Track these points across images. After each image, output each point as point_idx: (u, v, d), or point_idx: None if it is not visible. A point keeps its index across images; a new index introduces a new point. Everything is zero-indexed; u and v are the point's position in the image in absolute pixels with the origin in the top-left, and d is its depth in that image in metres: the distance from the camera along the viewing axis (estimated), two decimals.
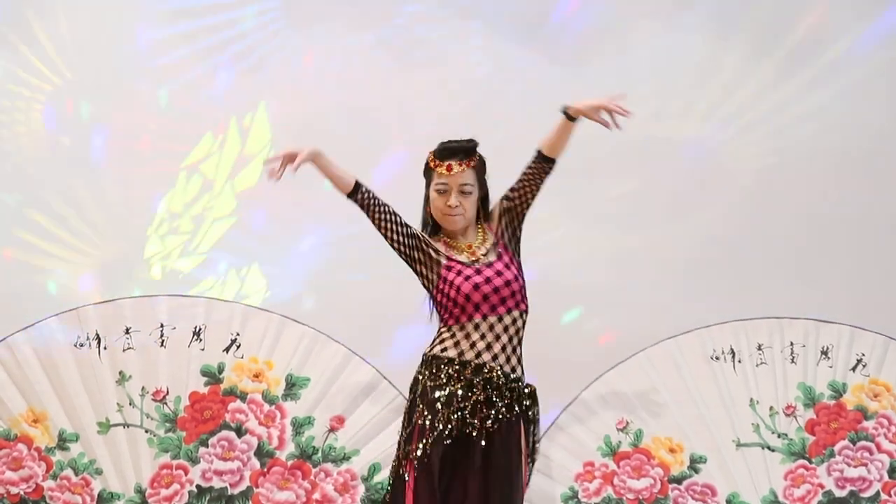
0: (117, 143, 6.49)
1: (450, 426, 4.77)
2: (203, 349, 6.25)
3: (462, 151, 4.90)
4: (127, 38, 6.54)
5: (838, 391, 6.46)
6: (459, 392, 4.80)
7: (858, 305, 6.58)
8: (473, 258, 4.89)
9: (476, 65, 6.65)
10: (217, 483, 6.20)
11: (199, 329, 6.25)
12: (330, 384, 6.25)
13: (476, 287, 4.81)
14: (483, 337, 4.84)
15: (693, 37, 6.71)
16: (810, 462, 6.40)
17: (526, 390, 4.93)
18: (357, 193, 4.91)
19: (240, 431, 6.22)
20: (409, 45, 6.63)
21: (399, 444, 4.96)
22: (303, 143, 5.79)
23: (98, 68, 6.49)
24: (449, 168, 4.87)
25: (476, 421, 4.79)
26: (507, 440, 4.84)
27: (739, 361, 6.43)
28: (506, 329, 4.87)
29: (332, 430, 6.23)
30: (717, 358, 6.43)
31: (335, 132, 6.50)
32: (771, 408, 6.42)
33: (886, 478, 6.42)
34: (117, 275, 6.41)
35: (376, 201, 4.92)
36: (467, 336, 4.85)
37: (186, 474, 6.18)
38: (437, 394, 4.82)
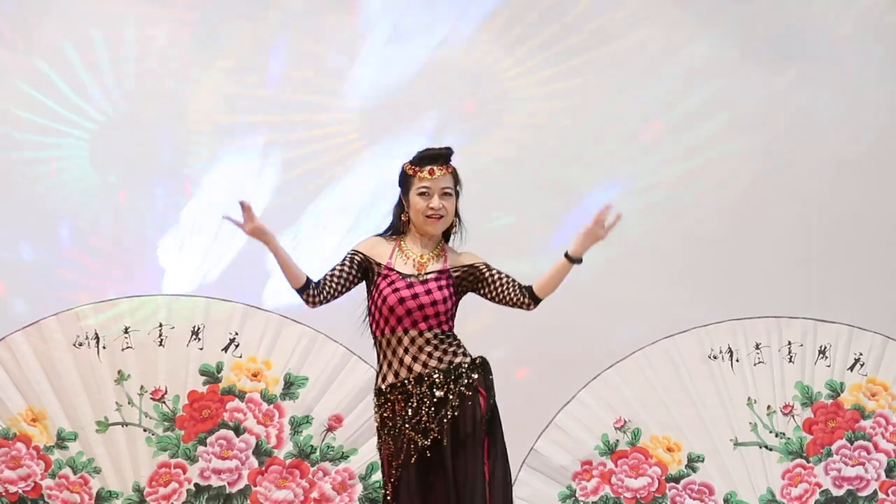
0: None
1: (413, 443, 4.91)
2: (202, 348, 6.26)
3: (442, 157, 5.06)
4: None
5: (836, 390, 6.47)
6: (409, 410, 4.93)
7: (856, 305, 6.58)
8: (415, 272, 4.99)
9: (472, 65, 6.68)
10: (215, 482, 6.21)
11: (198, 328, 6.26)
12: (328, 383, 6.26)
13: (401, 301, 4.94)
14: (407, 351, 4.97)
15: (689, 37, 6.72)
16: (808, 461, 6.41)
17: (465, 367, 4.98)
18: (307, 289, 5.00)
19: (238, 430, 6.23)
20: (404, 45, 6.65)
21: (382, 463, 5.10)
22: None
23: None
24: (431, 172, 5.02)
25: (434, 425, 4.89)
26: (464, 423, 4.93)
27: (737, 360, 6.44)
28: (427, 341, 4.98)
29: (330, 429, 6.24)
30: (715, 357, 6.43)
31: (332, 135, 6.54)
32: (769, 407, 6.43)
33: (884, 477, 6.43)
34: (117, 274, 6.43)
35: (323, 288, 5.00)
36: (394, 352, 4.97)
37: (185, 473, 6.20)
38: (394, 421, 4.95)
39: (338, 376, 6.26)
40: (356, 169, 6.57)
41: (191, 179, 6.54)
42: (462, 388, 4.93)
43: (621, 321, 6.53)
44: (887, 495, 6.42)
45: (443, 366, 4.94)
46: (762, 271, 6.61)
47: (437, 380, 4.92)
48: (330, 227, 6.52)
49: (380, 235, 5.11)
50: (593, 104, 6.70)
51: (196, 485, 6.20)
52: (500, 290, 5.02)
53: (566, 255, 4.97)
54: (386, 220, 5.13)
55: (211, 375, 6.25)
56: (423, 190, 5.00)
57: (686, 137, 6.71)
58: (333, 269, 5.02)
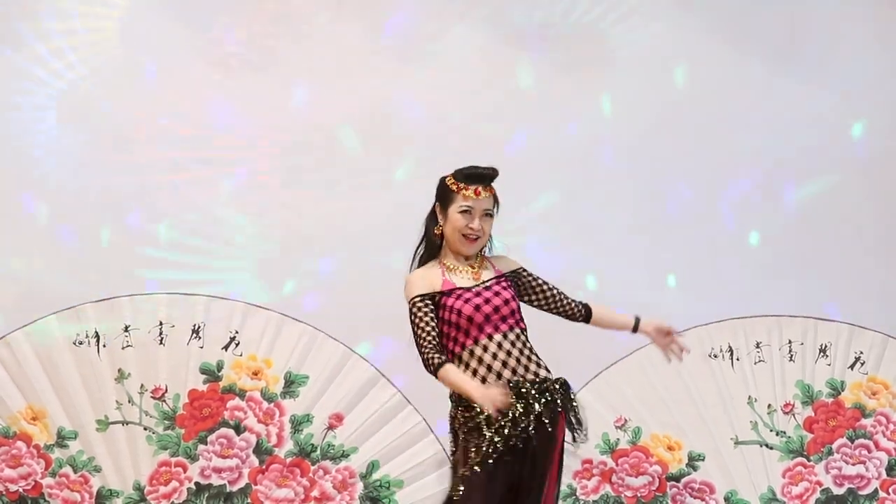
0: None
1: (495, 445, 4.83)
2: (202, 347, 6.25)
3: (489, 178, 5.01)
4: None
5: (836, 389, 6.47)
6: (499, 415, 4.82)
7: (857, 304, 6.58)
8: (475, 281, 4.97)
9: (475, 68, 6.68)
10: (216, 480, 6.21)
11: (198, 327, 6.25)
12: (329, 382, 6.26)
13: (477, 308, 4.89)
14: (495, 356, 4.90)
15: (689, 36, 6.72)
16: (808, 460, 6.41)
17: (556, 385, 4.98)
18: (447, 358, 4.93)
19: (238, 429, 6.22)
20: (407, 48, 6.65)
21: (452, 469, 4.98)
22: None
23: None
24: (477, 192, 4.96)
25: (518, 431, 4.85)
26: (547, 441, 4.90)
27: (738, 359, 6.44)
28: (513, 343, 4.93)
29: (330, 427, 6.23)
30: (716, 356, 6.44)
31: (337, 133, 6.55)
32: (769, 406, 6.43)
33: (884, 475, 6.43)
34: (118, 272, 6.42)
35: (436, 343, 4.93)
36: (480, 360, 4.90)
37: (185, 471, 6.19)
38: (476, 420, 4.85)
39: (338, 375, 6.25)
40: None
41: (188, 180, 6.55)
42: (553, 406, 4.90)
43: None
44: (888, 493, 6.42)
45: (529, 376, 4.90)
46: (763, 270, 6.61)
47: (526, 391, 4.87)
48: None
49: (421, 268, 5.03)
50: (590, 110, 6.70)
51: (196, 483, 6.20)
52: (551, 298, 5.10)
53: (635, 326, 5.18)
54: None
55: (211, 374, 6.24)
56: (466, 208, 4.95)
57: (685, 137, 6.71)
58: (431, 330, 4.90)
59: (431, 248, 5.04)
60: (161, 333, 6.23)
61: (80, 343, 6.18)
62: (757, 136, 6.72)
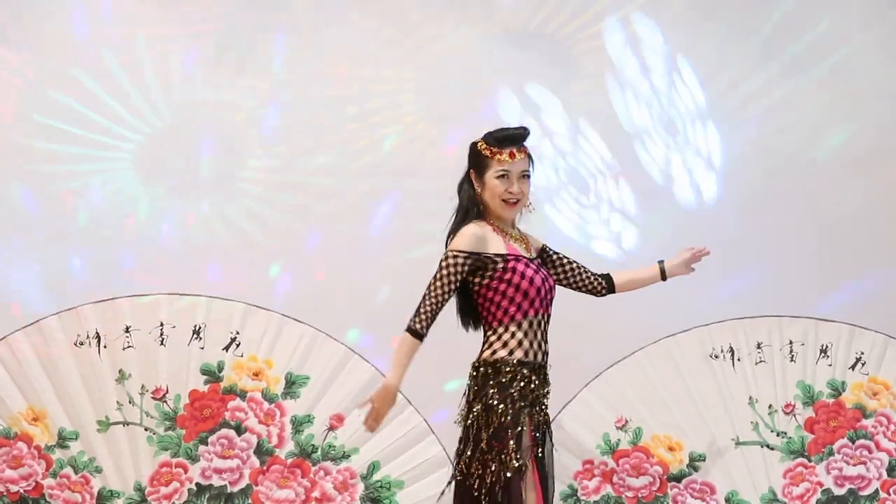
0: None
1: (546, 423, 4.88)
2: (203, 348, 6.26)
3: (521, 138, 4.89)
4: None
5: (837, 389, 6.47)
6: (528, 389, 4.81)
7: (857, 304, 6.58)
8: (528, 254, 4.90)
9: (475, 63, 6.68)
10: (217, 481, 6.21)
11: (199, 327, 6.26)
12: (329, 383, 6.26)
13: (544, 281, 4.84)
14: (542, 335, 4.85)
15: (691, 35, 6.72)
16: (809, 460, 6.41)
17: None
18: (424, 335, 4.81)
19: (239, 430, 6.23)
20: (410, 42, 6.65)
21: (483, 450, 4.80)
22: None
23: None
24: (512, 155, 4.84)
25: (538, 410, 4.86)
26: (549, 424, 4.96)
27: (738, 360, 6.44)
28: (545, 328, 4.89)
29: (331, 428, 6.24)
30: (717, 356, 6.43)
31: (337, 129, 6.55)
32: (770, 406, 6.43)
33: (885, 476, 6.43)
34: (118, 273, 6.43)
35: (434, 314, 4.79)
36: (535, 335, 4.83)
37: (186, 472, 6.19)
38: (514, 393, 4.78)
39: (339, 375, 6.26)
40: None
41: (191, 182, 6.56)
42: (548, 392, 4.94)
43: (622, 320, 6.52)
44: (889, 494, 6.41)
45: (547, 362, 4.90)
46: (763, 271, 6.61)
47: (548, 370, 4.90)
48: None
49: (473, 223, 4.84)
50: (583, 107, 6.70)
51: (197, 484, 6.20)
52: (571, 273, 5.07)
53: (662, 275, 5.18)
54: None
55: (212, 374, 6.25)
56: (503, 173, 4.82)
57: (686, 137, 6.71)
58: (446, 294, 4.77)
59: (470, 215, 4.87)
60: (162, 334, 6.24)
61: (81, 344, 6.19)
62: (753, 133, 6.71)
